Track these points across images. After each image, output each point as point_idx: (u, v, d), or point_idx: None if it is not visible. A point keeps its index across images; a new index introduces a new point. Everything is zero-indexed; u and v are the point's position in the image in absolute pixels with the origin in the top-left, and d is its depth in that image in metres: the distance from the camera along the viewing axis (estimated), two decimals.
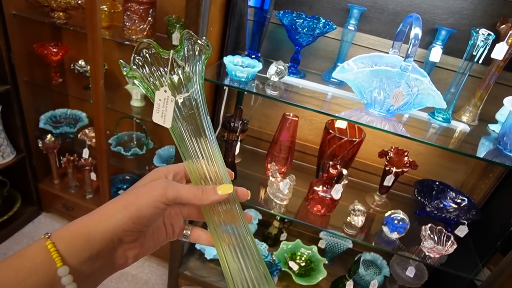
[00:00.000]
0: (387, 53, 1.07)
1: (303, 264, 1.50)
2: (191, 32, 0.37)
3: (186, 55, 0.37)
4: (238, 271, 0.37)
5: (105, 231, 0.32)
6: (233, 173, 0.41)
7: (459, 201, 1.27)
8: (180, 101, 0.36)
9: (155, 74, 0.36)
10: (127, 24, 1.33)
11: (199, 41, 0.37)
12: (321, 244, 1.51)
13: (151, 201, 0.33)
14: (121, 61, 0.36)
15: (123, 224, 0.33)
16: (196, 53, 0.37)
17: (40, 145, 1.62)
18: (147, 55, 0.35)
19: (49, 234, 0.31)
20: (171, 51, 0.36)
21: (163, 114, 0.36)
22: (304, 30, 1.09)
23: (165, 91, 0.35)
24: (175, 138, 0.38)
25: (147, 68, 0.35)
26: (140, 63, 0.35)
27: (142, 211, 0.33)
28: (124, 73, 0.35)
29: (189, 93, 0.37)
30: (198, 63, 0.38)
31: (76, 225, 0.33)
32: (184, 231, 0.42)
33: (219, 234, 0.38)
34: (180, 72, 0.36)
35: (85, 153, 1.61)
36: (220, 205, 0.38)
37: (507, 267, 0.99)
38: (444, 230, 1.17)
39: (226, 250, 0.38)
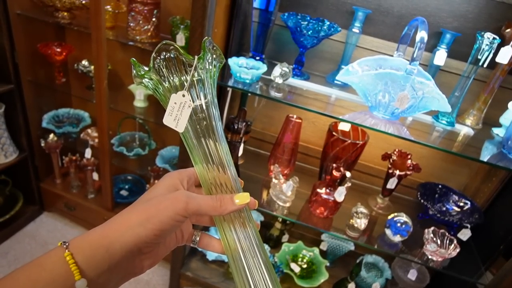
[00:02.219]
0: (392, 56, 1.07)
1: (304, 266, 1.49)
2: (211, 39, 0.37)
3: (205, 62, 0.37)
4: (247, 278, 0.37)
5: (126, 242, 0.32)
6: (242, 181, 0.41)
7: (462, 204, 1.27)
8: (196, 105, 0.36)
9: (169, 77, 0.36)
10: (131, 24, 1.33)
11: (217, 50, 0.37)
12: (323, 246, 1.51)
13: (173, 214, 0.33)
14: (134, 59, 0.35)
15: (146, 237, 0.33)
16: (212, 60, 0.37)
17: (42, 144, 1.62)
18: (166, 56, 0.35)
19: (67, 244, 0.31)
20: (196, 57, 0.36)
21: (177, 118, 0.35)
22: (309, 32, 1.09)
23: (183, 95, 0.35)
24: (185, 142, 0.38)
25: (163, 71, 0.35)
26: (158, 66, 0.35)
27: (164, 223, 0.33)
28: (136, 72, 0.35)
29: (206, 100, 0.36)
30: (213, 70, 0.38)
31: (96, 235, 0.32)
32: (193, 237, 0.42)
33: (229, 241, 0.38)
34: (195, 77, 0.36)
35: (88, 153, 1.61)
36: (233, 213, 0.38)
37: (510, 271, 0.99)
38: (447, 234, 1.17)
39: (236, 257, 0.38)
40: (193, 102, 0.36)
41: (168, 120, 0.36)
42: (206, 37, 0.37)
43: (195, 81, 0.36)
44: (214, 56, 0.37)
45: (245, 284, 0.37)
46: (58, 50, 1.50)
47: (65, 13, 1.41)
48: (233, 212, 0.37)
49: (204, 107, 0.37)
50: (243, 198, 0.36)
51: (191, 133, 0.37)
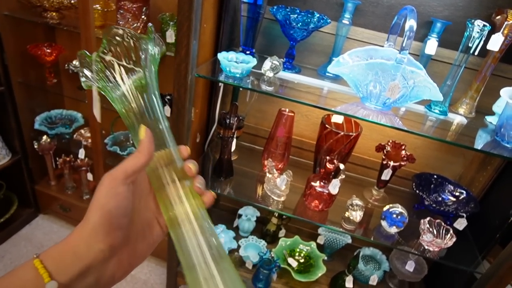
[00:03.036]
0: (383, 46, 1.07)
1: (302, 260, 1.49)
2: (115, 26, 0.39)
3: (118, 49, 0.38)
4: (187, 246, 0.36)
5: (88, 239, 0.32)
6: (187, 149, 0.41)
7: (457, 194, 1.27)
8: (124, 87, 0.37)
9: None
10: (121, 22, 1.32)
11: (129, 32, 0.38)
12: (320, 240, 1.51)
13: (107, 191, 0.33)
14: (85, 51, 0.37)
15: (100, 225, 0.32)
16: (132, 42, 0.38)
17: (35, 146, 1.61)
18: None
19: (38, 254, 0.31)
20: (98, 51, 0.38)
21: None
22: (299, 25, 1.08)
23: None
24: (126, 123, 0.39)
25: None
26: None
27: (107, 204, 0.33)
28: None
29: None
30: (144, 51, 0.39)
31: (63, 242, 0.33)
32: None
33: (169, 209, 0.38)
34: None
35: (81, 153, 1.60)
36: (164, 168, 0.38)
37: (507, 259, 0.99)
38: (443, 224, 1.16)
39: (175, 227, 0.37)
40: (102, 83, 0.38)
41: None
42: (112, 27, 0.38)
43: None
44: (135, 38, 0.39)
45: (184, 253, 0.36)
46: (48, 50, 1.49)
47: (54, 13, 1.39)
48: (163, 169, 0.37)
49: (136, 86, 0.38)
50: (141, 131, 0.36)
51: (127, 111, 0.38)
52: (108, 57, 0.37)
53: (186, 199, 0.37)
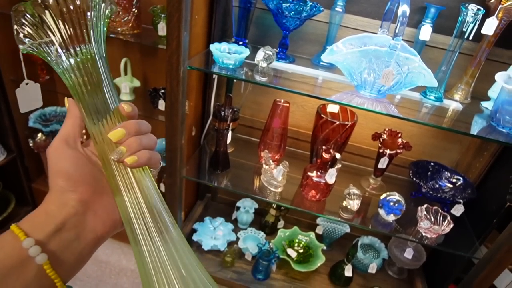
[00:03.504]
0: (376, 33, 1.05)
1: (301, 251, 1.49)
2: None
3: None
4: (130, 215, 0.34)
5: (56, 200, 0.33)
6: (127, 107, 0.37)
7: (454, 180, 1.27)
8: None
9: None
10: (112, 16, 1.30)
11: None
12: (319, 230, 1.51)
13: (56, 158, 0.34)
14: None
15: (64, 186, 0.33)
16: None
17: (31, 144, 1.60)
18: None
19: (15, 223, 0.32)
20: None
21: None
22: (291, 14, 1.06)
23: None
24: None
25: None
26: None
27: (62, 167, 0.34)
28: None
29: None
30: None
31: (36, 209, 0.33)
32: None
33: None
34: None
35: None
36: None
37: (504, 243, 0.99)
38: (440, 210, 1.17)
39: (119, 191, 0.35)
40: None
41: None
42: None
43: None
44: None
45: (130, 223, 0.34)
46: None
47: None
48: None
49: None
50: (65, 102, 0.37)
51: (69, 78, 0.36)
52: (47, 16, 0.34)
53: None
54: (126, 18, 1.30)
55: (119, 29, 1.31)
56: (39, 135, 1.59)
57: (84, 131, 0.38)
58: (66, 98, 0.37)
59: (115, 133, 0.34)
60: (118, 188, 0.35)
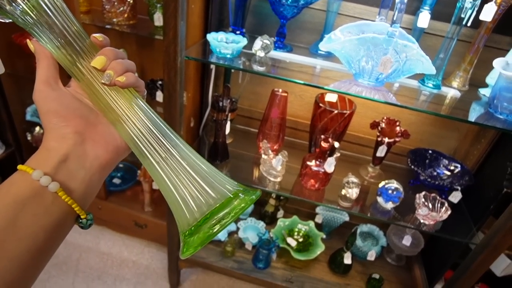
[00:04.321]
0: (374, 21, 1.05)
1: (301, 240, 1.51)
2: None
3: None
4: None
5: (53, 137, 0.34)
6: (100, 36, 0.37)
7: (452, 168, 1.28)
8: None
9: None
10: (106, 7, 1.28)
11: None
12: (318, 219, 1.52)
13: (43, 101, 0.34)
14: None
15: (56, 123, 0.34)
16: None
17: (29, 138, 1.60)
18: None
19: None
20: None
21: None
22: (288, 2, 1.05)
23: None
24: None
25: None
26: None
27: (50, 108, 0.34)
28: None
29: None
30: None
31: (38, 149, 0.35)
32: None
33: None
34: None
35: None
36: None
37: (500, 229, 1.00)
38: (438, 197, 1.18)
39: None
40: None
41: None
42: None
43: None
44: None
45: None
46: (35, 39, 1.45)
47: None
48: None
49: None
50: (28, 45, 0.36)
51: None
52: None
53: (113, 89, 0.36)
54: (121, 9, 1.28)
55: (114, 19, 1.30)
56: (37, 128, 1.59)
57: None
58: (28, 40, 0.36)
59: (98, 60, 0.35)
60: (114, 116, 0.36)
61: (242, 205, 0.33)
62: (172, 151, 0.35)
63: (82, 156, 0.35)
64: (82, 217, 0.34)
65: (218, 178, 0.35)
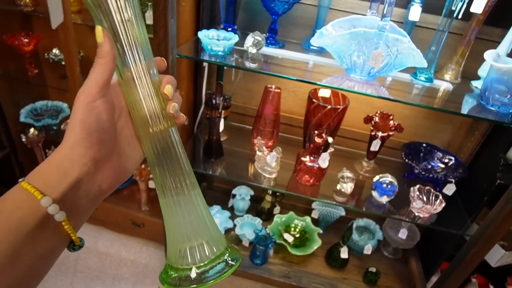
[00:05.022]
0: (366, 15, 1.05)
1: (297, 235, 1.52)
2: None
3: None
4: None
5: (70, 155, 0.32)
6: (164, 61, 0.38)
7: (446, 160, 1.28)
8: None
9: None
10: None
11: None
12: (314, 215, 1.53)
13: (83, 106, 0.32)
14: None
15: (80, 140, 0.32)
16: None
17: (23, 140, 1.59)
18: None
19: (23, 179, 0.31)
20: None
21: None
22: None
23: None
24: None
25: None
26: None
27: (85, 119, 0.32)
28: None
29: None
30: None
31: (45, 162, 0.32)
32: None
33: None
34: None
35: None
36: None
37: (494, 220, 1.01)
38: (432, 190, 1.18)
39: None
40: None
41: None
42: None
43: None
44: None
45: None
46: (26, 40, 1.45)
47: (28, 0, 1.34)
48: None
49: None
50: (98, 34, 0.33)
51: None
52: None
53: (163, 119, 0.36)
54: None
55: None
56: (31, 130, 1.58)
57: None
58: (100, 28, 0.32)
59: (168, 89, 0.35)
60: (146, 134, 0.36)
61: (223, 275, 0.35)
62: (187, 193, 0.37)
63: (90, 186, 0.34)
64: (76, 244, 0.34)
65: (214, 234, 0.37)
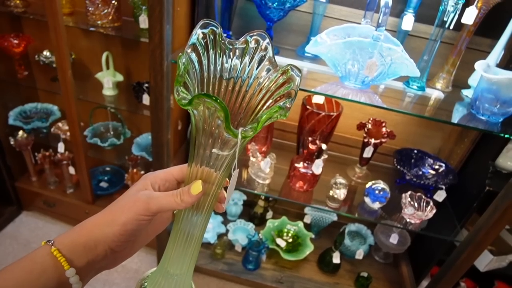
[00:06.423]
0: (360, 24, 1.06)
1: (290, 240, 1.52)
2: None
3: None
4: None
5: (98, 241, 0.36)
6: (228, 180, 0.40)
7: (437, 167, 1.30)
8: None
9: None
10: (90, 9, 1.26)
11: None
12: (307, 219, 1.53)
13: (135, 215, 0.36)
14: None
15: (113, 236, 0.36)
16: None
17: (12, 142, 1.56)
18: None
19: (52, 241, 0.35)
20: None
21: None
22: (274, 5, 1.05)
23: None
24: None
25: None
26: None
27: (127, 224, 0.36)
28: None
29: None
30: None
31: (75, 234, 0.36)
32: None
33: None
34: None
35: (61, 147, 1.55)
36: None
37: (483, 226, 1.03)
38: (423, 196, 1.20)
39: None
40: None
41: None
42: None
43: None
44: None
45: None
46: (16, 41, 1.42)
47: (18, 1, 1.32)
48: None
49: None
50: (196, 188, 0.36)
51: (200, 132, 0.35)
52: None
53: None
54: (105, 11, 1.26)
55: (98, 22, 1.28)
56: (20, 132, 1.55)
57: None
58: (198, 182, 0.36)
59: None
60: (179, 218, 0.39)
61: None
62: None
63: (102, 264, 0.38)
64: None
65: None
